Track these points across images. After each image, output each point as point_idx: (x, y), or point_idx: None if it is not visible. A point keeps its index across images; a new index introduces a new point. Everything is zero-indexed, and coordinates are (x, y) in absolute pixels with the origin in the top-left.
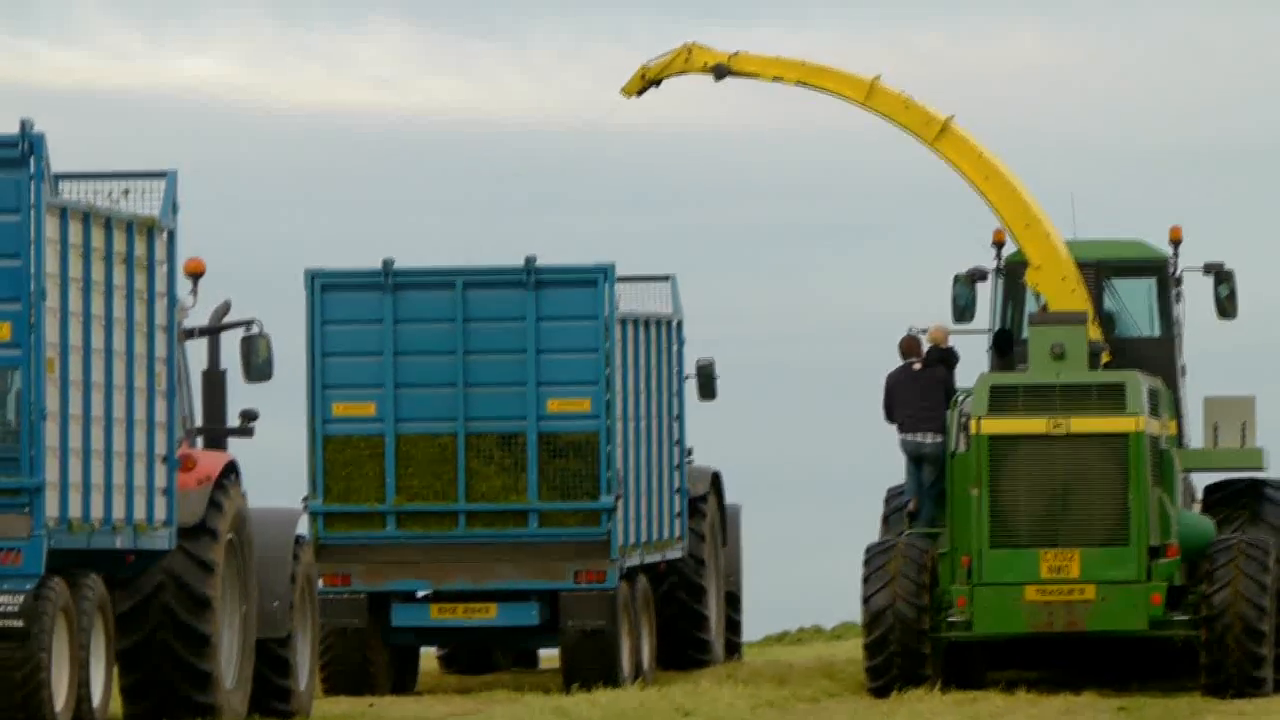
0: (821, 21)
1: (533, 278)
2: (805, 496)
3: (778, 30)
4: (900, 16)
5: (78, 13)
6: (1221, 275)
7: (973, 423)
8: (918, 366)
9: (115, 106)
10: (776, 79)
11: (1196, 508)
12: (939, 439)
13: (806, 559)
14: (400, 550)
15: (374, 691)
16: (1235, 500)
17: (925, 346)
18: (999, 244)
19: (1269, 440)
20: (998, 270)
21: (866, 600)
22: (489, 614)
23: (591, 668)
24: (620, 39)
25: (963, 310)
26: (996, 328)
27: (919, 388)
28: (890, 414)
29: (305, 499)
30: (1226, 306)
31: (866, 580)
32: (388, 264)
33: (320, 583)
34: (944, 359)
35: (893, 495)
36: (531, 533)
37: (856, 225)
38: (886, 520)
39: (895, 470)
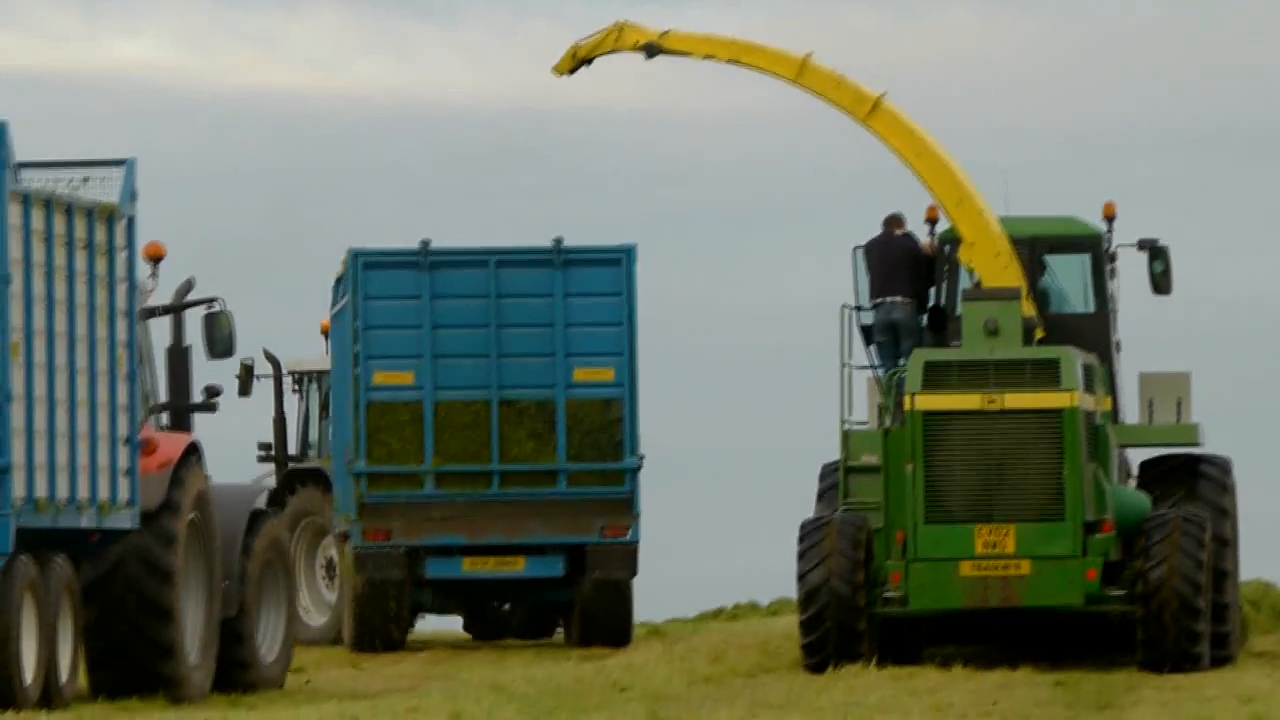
0: (754, 2)
1: (561, 257)
2: (741, 475)
3: (711, 11)
4: None
5: None
6: (1156, 251)
7: (907, 399)
8: (899, 232)
9: (50, 88)
10: (708, 57)
11: (1132, 483)
12: (910, 302)
13: (742, 536)
14: (438, 508)
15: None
16: (1171, 476)
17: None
18: (932, 221)
19: (1204, 416)
20: (931, 247)
21: (802, 577)
22: (517, 567)
23: (608, 617)
24: (554, 17)
25: None
26: (930, 304)
27: (894, 253)
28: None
29: (349, 460)
30: (1161, 282)
31: (802, 557)
32: (425, 244)
33: (361, 538)
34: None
35: (827, 472)
36: (561, 491)
37: (788, 207)
38: (821, 497)
39: (829, 448)
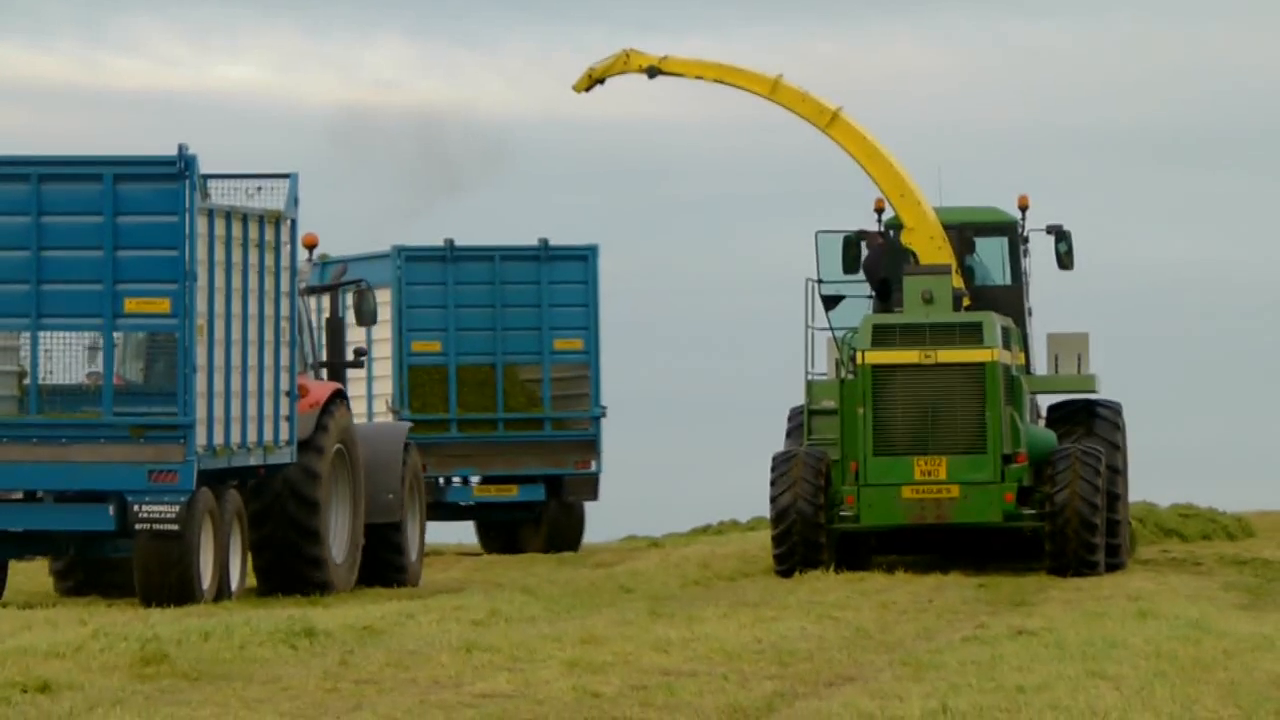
0: (740, 33)
1: (547, 252)
2: (724, 416)
3: (705, 40)
4: (802, 29)
5: (138, 28)
6: (1061, 235)
7: (859, 354)
8: (881, 243)
9: (167, 105)
10: (698, 77)
11: (1041, 423)
12: None
13: (724, 466)
14: (459, 447)
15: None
16: (1073, 417)
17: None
18: (879, 210)
19: (1099, 368)
20: (878, 231)
21: (774, 499)
22: (513, 492)
23: (573, 529)
24: (579, 48)
25: (850, 264)
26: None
27: (893, 255)
28: (874, 280)
29: (395, 410)
30: (1065, 260)
31: (773, 483)
32: (449, 242)
33: None
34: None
35: (793, 414)
36: (547, 434)
37: (760, 199)
38: (789, 434)
39: (795, 395)
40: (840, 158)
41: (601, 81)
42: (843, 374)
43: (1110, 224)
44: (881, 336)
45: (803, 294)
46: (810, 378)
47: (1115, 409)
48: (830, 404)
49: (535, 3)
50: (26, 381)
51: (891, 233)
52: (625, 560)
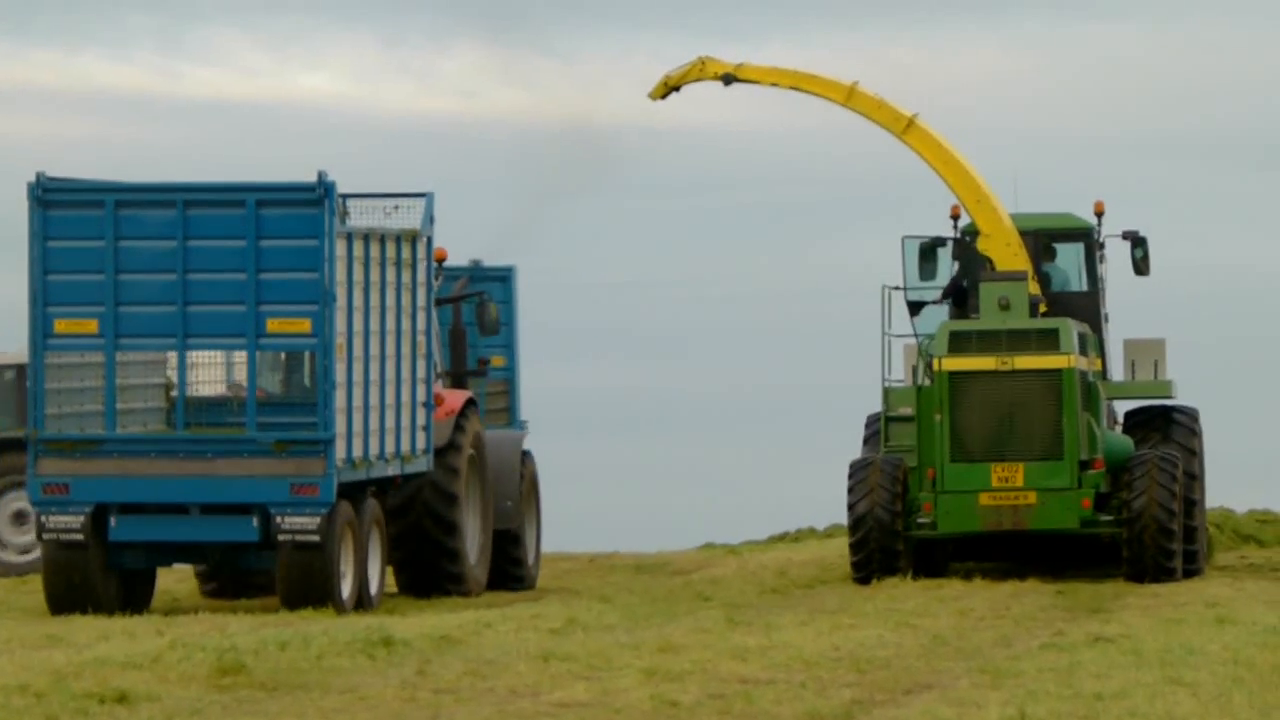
0: (817, 41)
1: (480, 273)
2: (801, 424)
3: (780, 48)
4: (880, 35)
5: (219, 40)
6: (1137, 240)
7: (935, 361)
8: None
9: (246, 114)
10: (774, 85)
11: (1118, 429)
12: None
13: (801, 472)
14: None
15: None
16: (1150, 423)
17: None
18: (955, 217)
19: (1176, 374)
20: (955, 238)
21: (851, 506)
22: None
23: None
24: (656, 56)
25: (926, 270)
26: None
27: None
28: None
29: None
30: (1141, 266)
31: (851, 490)
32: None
33: None
34: None
35: (870, 421)
36: None
37: (841, 203)
38: (866, 441)
39: (872, 401)
40: (916, 164)
41: (678, 89)
42: (920, 381)
43: (1186, 229)
44: (958, 343)
45: (879, 300)
46: (887, 384)
47: (1192, 415)
48: (907, 411)
49: (612, 10)
50: (174, 394)
51: (968, 238)
52: (702, 568)
